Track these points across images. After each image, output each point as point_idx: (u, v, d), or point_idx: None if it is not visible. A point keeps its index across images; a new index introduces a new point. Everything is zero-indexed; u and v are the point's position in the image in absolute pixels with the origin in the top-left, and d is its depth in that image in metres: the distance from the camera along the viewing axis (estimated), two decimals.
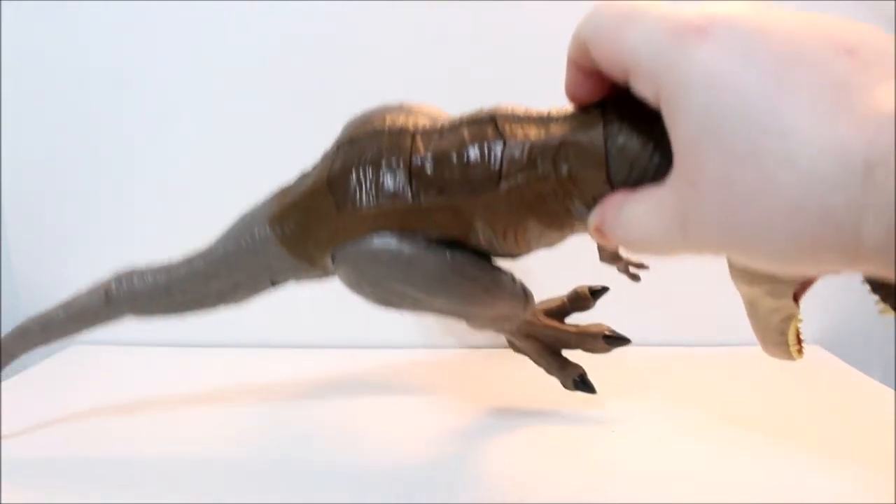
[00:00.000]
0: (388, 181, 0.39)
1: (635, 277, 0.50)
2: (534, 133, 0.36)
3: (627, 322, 0.75)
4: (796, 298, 0.39)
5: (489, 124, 0.38)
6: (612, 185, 0.34)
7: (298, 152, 0.68)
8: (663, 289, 0.75)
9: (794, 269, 0.25)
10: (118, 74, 0.74)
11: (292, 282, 0.48)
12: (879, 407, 0.58)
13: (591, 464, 0.49)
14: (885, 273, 0.22)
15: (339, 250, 0.42)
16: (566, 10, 0.71)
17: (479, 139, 0.37)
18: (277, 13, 0.72)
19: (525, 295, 0.45)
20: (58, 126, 0.75)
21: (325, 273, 0.46)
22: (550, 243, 0.40)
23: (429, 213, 0.39)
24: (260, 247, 0.46)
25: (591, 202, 0.35)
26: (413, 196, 0.39)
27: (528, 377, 0.66)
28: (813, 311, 0.76)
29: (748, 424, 0.55)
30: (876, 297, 0.34)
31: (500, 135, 0.37)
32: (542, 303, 0.59)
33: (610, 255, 0.52)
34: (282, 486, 0.46)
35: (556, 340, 0.54)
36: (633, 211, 0.31)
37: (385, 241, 0.40)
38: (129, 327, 0.78)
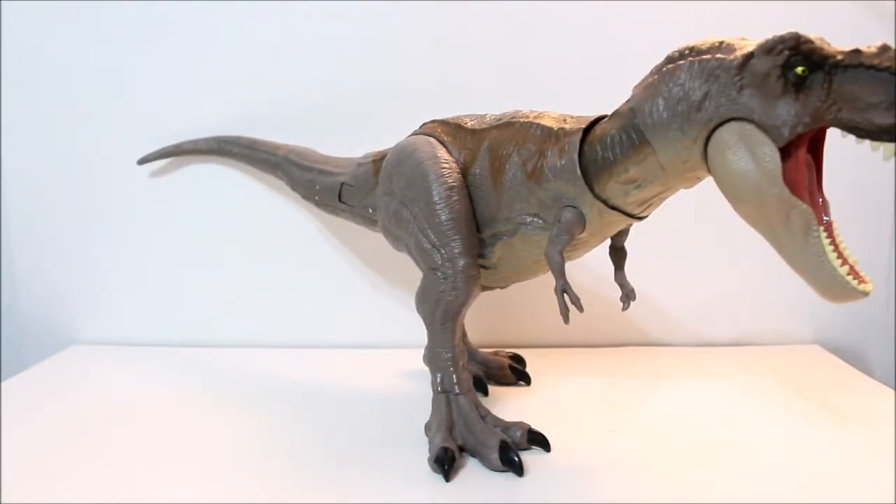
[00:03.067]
0: None
1: (625, 304, 0.51)
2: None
3: (625, 321, 0.75)
4: (801, 197, 0.37)
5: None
6: None
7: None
8: (662, 289, 0.75)
9: None
10: (119, 73, 0.74)
11: None
12: (879, 407, 0.58)
13: (589, 463, 0.49)
14: None
15: None
16: (566, 10, 0.71)
17: None
18: (280, 13, 0.72)
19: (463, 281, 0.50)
20: (59, 125, 0.75)
21: None
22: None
23: None
24: None
25: None
26: None
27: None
28: (812, 310, 0.76)
29: (747, 424, 0.55)
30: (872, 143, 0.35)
31: None
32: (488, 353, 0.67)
33: (620, 277, 0.52)
34: (282, 485, 0.46)
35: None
36: None
37: None
38: (129, 327, 0.78)
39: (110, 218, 0.77)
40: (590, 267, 0.67)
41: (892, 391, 0.61)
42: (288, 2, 0.72)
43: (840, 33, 0.70)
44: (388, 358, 0.71)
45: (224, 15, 0.72)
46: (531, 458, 0.49)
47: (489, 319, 0.74)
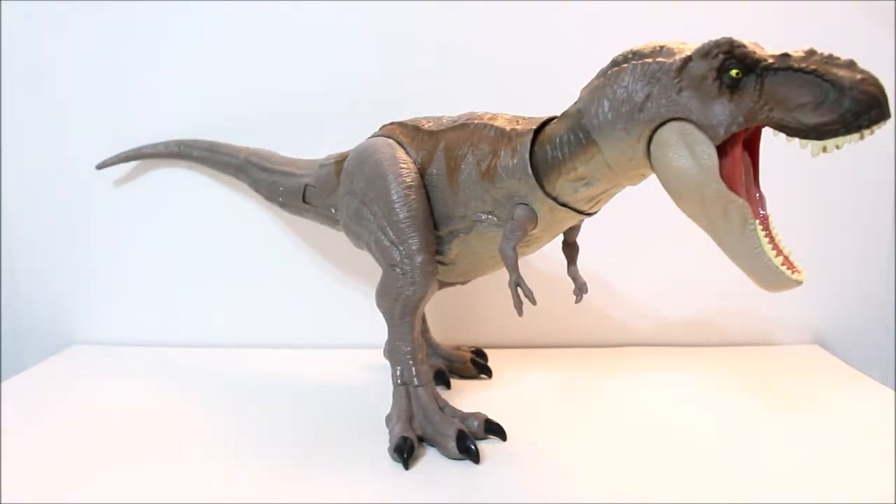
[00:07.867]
0: None
1: (578, 297, 0.53)
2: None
3: (623, 321, 0.75)
4: (740, 192, 0.39)
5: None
6: None
7: (297, 151, 0.69)
8: (660, 289, 0.75)
9: None
10: (120, 73, 0.74)
11: None
12: (879, 407, 0.58)
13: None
14: None
15: None
16: (563, 10, 0.71)
17: None
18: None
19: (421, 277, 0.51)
20: (58, 126, 0.75)
21: None
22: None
23: None
24: None
25: None
26: None
27: (524, 377, 0.66)
28: (812, 310, 0.76)
29: (746, 424, 0.55)
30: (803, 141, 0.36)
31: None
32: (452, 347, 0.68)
33: (572, 272, 0.54)
34: (282, 485, 0.46)
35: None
36: None
37: None
38: (129, 328, 0.78)
39: (110, 219, 0.77)
40: (589, 271, 0.67)
41: (892, 391, 0.62)
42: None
43: (840, 33, 0.70)
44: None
45: (222, 15, 0.72)
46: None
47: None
